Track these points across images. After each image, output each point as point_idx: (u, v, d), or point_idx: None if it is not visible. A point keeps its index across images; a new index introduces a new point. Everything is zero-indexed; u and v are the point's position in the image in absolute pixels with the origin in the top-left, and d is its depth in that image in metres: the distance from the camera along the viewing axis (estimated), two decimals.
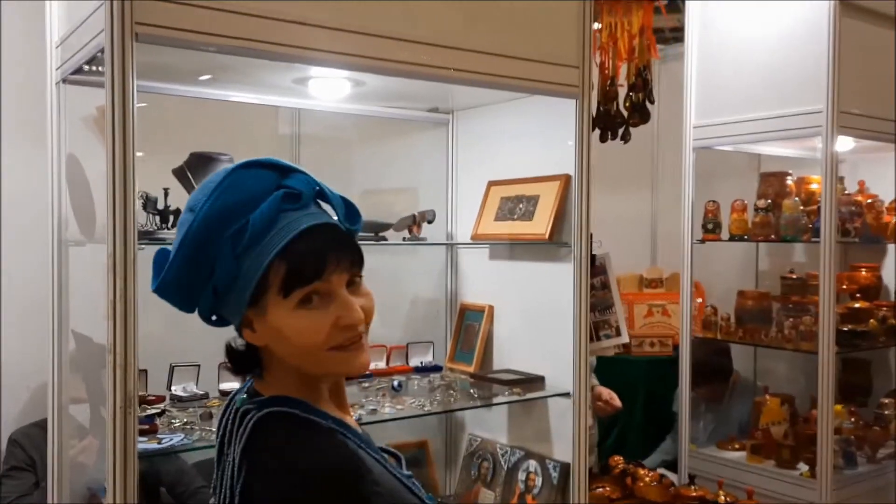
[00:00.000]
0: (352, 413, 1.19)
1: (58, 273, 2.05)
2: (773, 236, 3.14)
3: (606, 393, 3.00)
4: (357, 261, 1.06)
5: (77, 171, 2.00)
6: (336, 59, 1.85)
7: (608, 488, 2.67)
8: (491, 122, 2.58)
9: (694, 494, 2.75)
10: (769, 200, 3.15)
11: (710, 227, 3.25)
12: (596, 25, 2.32)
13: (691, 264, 3.28)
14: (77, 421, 2.09)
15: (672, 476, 2.95)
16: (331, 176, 2.55)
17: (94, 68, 1.83)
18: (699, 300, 3.91)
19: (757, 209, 3.16)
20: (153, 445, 1.69)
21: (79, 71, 1.88)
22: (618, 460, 2.84)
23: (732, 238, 3.24)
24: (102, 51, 1.59)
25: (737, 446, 3.27)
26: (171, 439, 1.71)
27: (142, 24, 1.57)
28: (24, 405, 2.81)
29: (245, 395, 1.11)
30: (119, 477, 1.56)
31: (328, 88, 2.20)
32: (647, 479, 2.68)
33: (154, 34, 1.59)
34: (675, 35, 3.89)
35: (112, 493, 1.56)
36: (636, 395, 3.98)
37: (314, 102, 2.34)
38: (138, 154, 1.58)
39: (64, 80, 1.98)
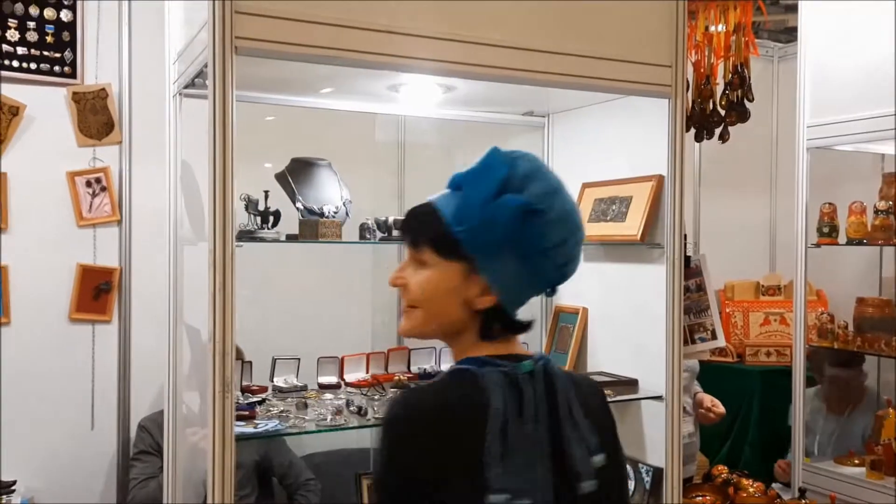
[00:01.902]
0: None
1: (174, 270, 2.23)
2: (894, 240, 2.95)
3: (709, 400, 2.91)
4: (411, 242, 1.20)
5: (189, 177, 2.17)
6: (429, 65, 1.91)
7: (708, 497, 2.59)
8: (585, 124, 2.58)
9: None
10: (890, 202, 2.96)
11: (826, 231, 3.09)
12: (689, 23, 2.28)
13: (805, 270, 3.13)
14: (191, 409, 2.25)
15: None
16: (428, 181, 2.64)
17: (200, 82, 1.99)
18: (820, 309, 3.72)
19: (877, 211, 2.98)
20: (249, 429, 1.81)
21: (191, 84, 2.04)
22: (721, 469, 2.75)
23: (850, 242, 3.07)
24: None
25: (856, 461, 3.08)
26: (267, 425, 1.82)
27: (241, 38, 1.69)
28: (155, 394, 3.06)
29: (528, 361, 1.17)
30: (218, 457, 1.68)
31: (420, 94, 2.28)
32: (752, 489, 2.59)
33: (253, 47, 1.71)
34: (792, 35, 3.73)
35: (211, 472, 1.68)
36: (750, 408, 3.83)
37: (409, 109, 2.42)
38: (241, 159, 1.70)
39: (179, 93, 2.15)
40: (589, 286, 2.55)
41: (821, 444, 3.31)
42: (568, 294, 2.63)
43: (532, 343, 2.67)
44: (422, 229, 1.19)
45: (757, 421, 3.80)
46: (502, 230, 1.11)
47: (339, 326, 2.76)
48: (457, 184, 1.18)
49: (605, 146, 2.50)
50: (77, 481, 3.02)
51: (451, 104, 2.43)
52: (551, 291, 1.22)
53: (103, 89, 3.06)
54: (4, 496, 2.69)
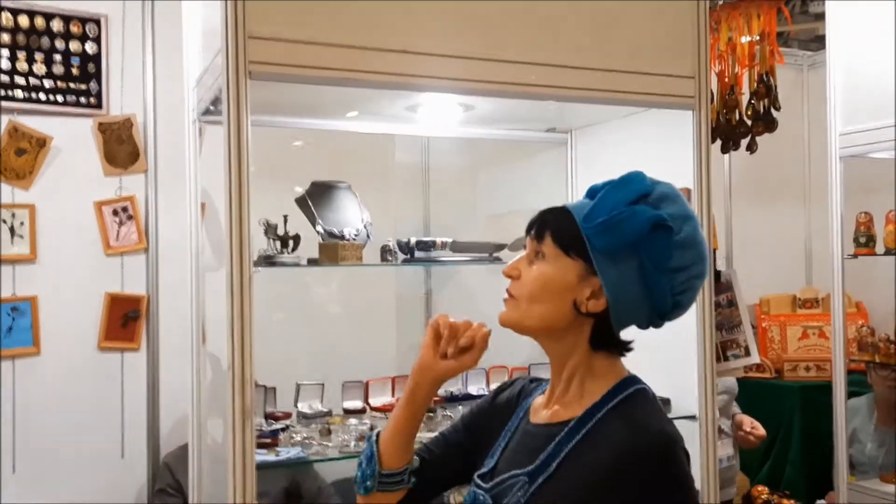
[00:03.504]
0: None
1: (196, 297, 2.22)
2: None
3: (749, 422, 2.83)
4: (536, 234, 1.20)
5: (210, 203, 2.17)
6: (445, 84, 1.89)
7: None
8: (608, 139, 2.53)
9: None
10: None
11: (863, 241, 3.00)
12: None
13: (843, 281, 3.03)
14: (215, 438, 2.24)
15: None
16: (450, 201, 2.61)
17: (214, 108, 1.99)
18: (860, 321, 3.61)
19: None
20: (271, 458, 1.79)
21: (208, 110, 2.05)
22: (761, 490, 2.66)
23: (888, 252, 2.97)
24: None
25: None
26: (289, 452, 1.79)
27: (255, 63, 1.69)
28: (184, 422, 3.05)
29: None
30: (238, 487, 1.66)
31: (439, 114, 2.26)
32: None
33: (267, 72, 1.71)
34: (822, 44, 3.66)
35: (232, 501, 1.66)
36: (790, 425, 3.72)
37: (429, 129, 2.41)
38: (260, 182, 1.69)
39: (198, 119, 2.16)
40: None
41: (871, 459, 3.19)
42: None
43: None
44: (549, 222, 1.19)
45: (798, 438, 3.69)
46: (629, 235, 1.13)
47: (364, 350, 2.73)
48: (593, 192, 1.20)
49: (629, 160, 2.43)
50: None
51: (472, 123, 2.40)
52: (660, 322, 1.21)
53: (128, 119, 3.10)
54: None
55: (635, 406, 1.17)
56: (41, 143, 2.97)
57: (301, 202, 2.16)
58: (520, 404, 1.29)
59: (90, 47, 3.05)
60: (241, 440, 1.66)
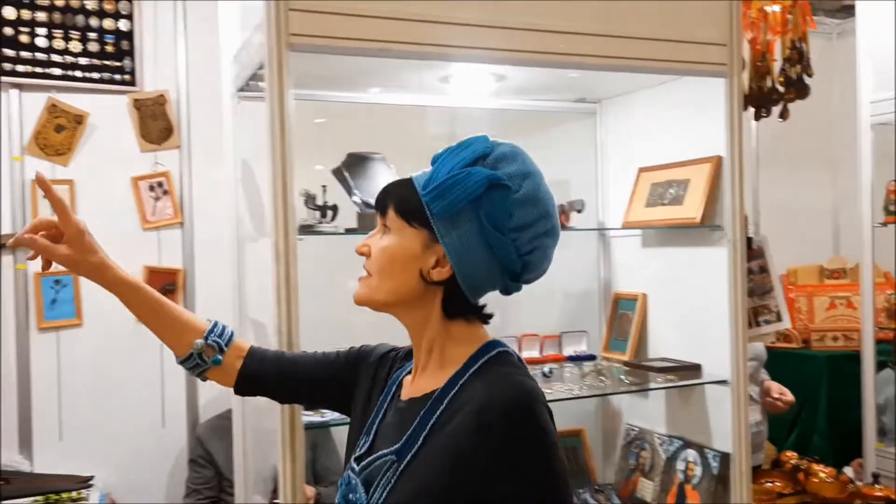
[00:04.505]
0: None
1: (237, 267, 2.28)
2: None
3: (777, 388, 2.85)
4: (380, 208, 1.19)
5: (250, 176, 2.22)
6: (480, 53, 1.92)
7: (778, 483, 2.54)
8: (638, 108, 2.55)
9: (879, 494, 2.55)
10: None
11: (893, 210, 3.00)
12: None
13: (872, 250, 3.04)
14: (258, 401, 2.30)
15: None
16: None
17: (252, 84, 2.03)
18: (889, 291, 3.60)
19: None
20: (317, 419, 1.85)
21: (246, 85, 2.09)
22: (790, 456, 2.69)
23: None
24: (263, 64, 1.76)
25: None
26: (333, 413, 1.85)
27: (296, 35, 1.72)
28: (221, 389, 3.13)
29: None
30: (287, 447, 1.72)
31: (472, 85, 2.28)
32: (823, 474, 2.53)
33: (307, 44, 1.74)
34: (848, 13, 3.62)
35: (283, 462, 1.72)
36: (817, 394, 3.73)
37: (460, 100, 2.43)
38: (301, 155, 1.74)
39: (236, 94, 2.20)
40: (647, 271, 2.52)
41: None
42: (626, 280, 2.61)
43: (590, 330, 2.66)
44: (391, 194, 1.18)
45: (825, 407, 3.70)
46: (465, 196, 1.10)
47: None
48: (435, 160, 1.17)
49: (659, 129, 2.47)
50: (151, 477, 3.11)
51: (503, 94, 2.43)
52: (515, 286, 1.17)
53: (161, 95, 3.15)
54: (84, 491, 2.78)
55: (494, 366, 1.14)
56: (79, 119, 3.03)
57: (337, 173, 2.20)
58: (391, 377, 1.26)
59: (123, 24, 3.10)
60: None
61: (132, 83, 3.12)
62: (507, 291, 1.18)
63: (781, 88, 2.31)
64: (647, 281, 2.50)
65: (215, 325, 1.35)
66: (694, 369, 2.30)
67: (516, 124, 2.66)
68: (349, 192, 2.17)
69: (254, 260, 2.26)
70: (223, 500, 2.94)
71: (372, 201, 2.16)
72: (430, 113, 2.54)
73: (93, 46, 3.05)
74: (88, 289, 3.04)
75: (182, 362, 1.33)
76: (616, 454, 2.59)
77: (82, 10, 3.03)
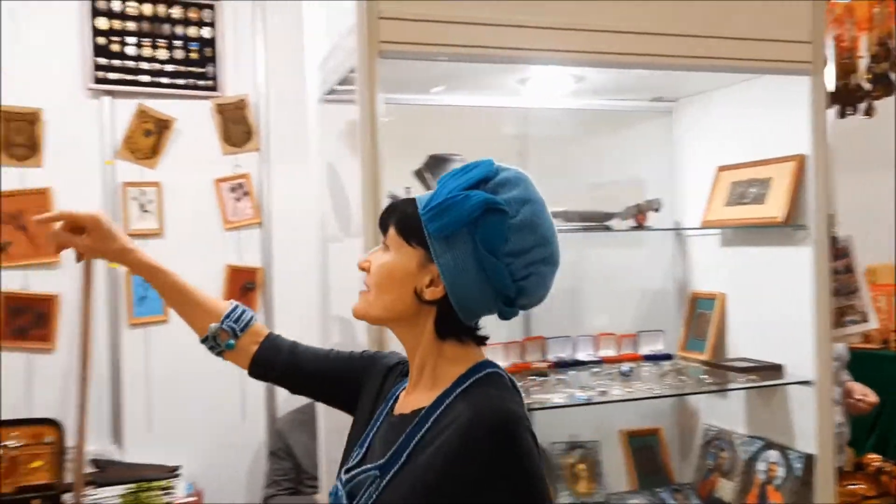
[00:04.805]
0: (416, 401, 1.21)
1: (321, 265, 2.36)
2: None
3: (859, 389, 2.80)
4: (381, 226, 1.23)
5: (335, 178, 2.29)
6: (562, 56, 1.95)
7: (862, 485, 2.50)
8: (716, 107, 2.54)
9: None
10: None
11: None
12: None
13: None
14: None
15: None
16: (556, 170, 2.66)
17: (341, 88, 2.10)
18: None
19: None
20: None
21: (333, 90, 2.16)
22: (873, 458, 2.64)
23: None
24: (354, 70, 1.82)
25: None
26: None
27: (385, 43, 1.78)
28: None
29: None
30: None
31: (551, 86, 2.31)
32: None
33: (396, 50, 1.79)
34: None
35: None
36: None
37: (538, 101, 2.46)
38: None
39: (322, 99, 2.27)
40: (726, 271, 2.51)
41: None
42: (703, 279, 2.60)
43: (668, 330, 2.66)
44: (393, 213, 1.20)
45: None
46: (460, 217, 1.11)
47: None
48: (441, 181, 1.19)
49: (738, 128, 2.46)
50: (233, 468, 3.23)
51: (579, 94, 2.44)
52: (510, 311, 1.17)
53: (242, 100, 3.26)
54: (172, 480, 2.91)
55: (481, 387, 1.14)
56: (165, 124, 3.16)
57: (418, 174, 2.26)
58: (389, 391, 1.28)
59: (206, 32, 3.22)
60: None
61: (214, 88, 3.24)
62: (503, 316, 1.18)
63: (868, 85, 2.28)
64: (726, 280, 2.49)
65: (233, 310, 1.40)
66: (775, 370, 2.28)
67: (593, 124, 2.67)
68: None
69: (338, 259, 2.33)
70: (301, 491, 3.03)
71: None
72: (508, 114, 2.57)
73: (178, 54, 3.17)
74: None
75: (202, 342, 1.40)
76: (693, 454, 2.58)
77: (169, 20, 3.16)
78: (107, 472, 2.95)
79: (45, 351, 3.02)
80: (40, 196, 3.01)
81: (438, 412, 1.12)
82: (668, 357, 2.57)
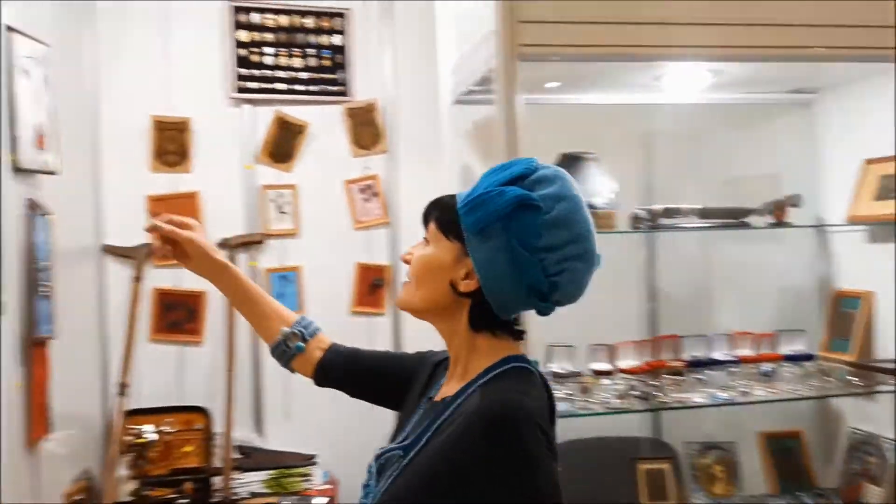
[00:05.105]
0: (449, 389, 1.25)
1: None
2: None
3: None
4: (423, 220, 1.26)
5: (469, 178, 2.34)
6: (705, 52, 1.94)
7: None
8: (861, 98, 2.43)
9: None
10: None
11: None
12: None
13: None
14: None
15: None
16: (687, 166, 2.62)
17: (478, 89, 2.14)
18: None
19: None
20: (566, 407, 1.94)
21: (467, 93, 2.21)
22: None
23: None
24: (489, 73, 1.87)
25: None
26: (559, 407, 1.93)
27: (524, 46, 1.81)
28: None
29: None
30: None
31: (688, 81, 2.28)
32: None
33: (535, 53, 1.83)
34: None
35: None
36: None
37: (674, 97, 2.43)
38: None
39: (456, 102, 2.33)
40: (873, 268, 2.40)
41: None
42: (849, 277, 2.50)
43: (808, 329, 2.57)
44: (434, 208, 1.24)
45: None
46: (494, 212, 1.13)
47: (606, 314, 2.82)
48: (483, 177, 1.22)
49: (887, 119, 2.34)
50: (367, 458, 3.34)
51: (716, 88, 2.40)
52: (545, 307, 1.18)
53: (371, 104, 3.37)
54: (310, 467, 3.05)
55: (500, 380, 1.16)
56: (300, 129, 3.31)
57: None
58: (435, 382, 1.31)
59: (337, 39, 3.35)
60: None
61: (345, 93, 3.36)
62: (540, 312, 1.19)
63: None
64: (874, 278, 2.38)
65: (302, 318, 1.48)
66: None
67: (728, 118, 2.62)
68: None
69: None
70: None
71: (587, 200, 2.23)
72: (643, 110, 2.55)
73: (312, 62, 3.32)
74: (310, 283, 3.33)
75: (272, 350, 1.46)
76: (838, 458, 2.48)
77: (303, 29, 3.31)
78: (251, 458, 3.13)
79: (194, 344, 3.23)
80: (189, 200, 3.22)
81: (458, 402, 1.16)
82: (809, 357, 2.48)
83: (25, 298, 2.27)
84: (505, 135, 1.81)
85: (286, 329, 1.44)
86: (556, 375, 2.34)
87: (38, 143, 2.32)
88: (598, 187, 2.27)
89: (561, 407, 1.96)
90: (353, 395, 1.47)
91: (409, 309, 1.27)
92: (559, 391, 2.14)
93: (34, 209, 2.31)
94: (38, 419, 2.31)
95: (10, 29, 2.13)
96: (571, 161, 2.28)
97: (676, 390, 2.13)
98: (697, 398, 2.03)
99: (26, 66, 2.21)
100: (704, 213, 2.24)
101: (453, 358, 1.24)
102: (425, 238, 1.25)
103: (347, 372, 1.45)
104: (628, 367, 2.35)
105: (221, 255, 1.44)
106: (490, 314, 1.19)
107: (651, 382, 2.18)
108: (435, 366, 1.37)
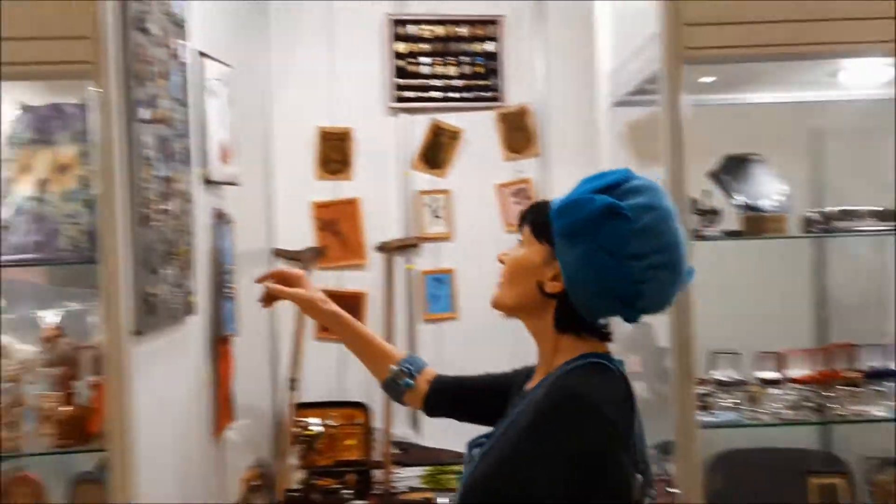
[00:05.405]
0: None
1: None
2: None
3: None
4: (519, 223, 1.31)
5: None
6: (876, 48, 1.83)
7: None
8: None
9: None
10: None
11: None
12: None
13: None
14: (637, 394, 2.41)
15: None
16: (864, 165, 2.47)
17: (638, 91, 2.13)
18: None
19: None
20: (709, 418, 1.90)
21: (627, 95, 2.20)
22: None
23: None
24: (652, 76, 1.86)
25: None
26: (726, 416, 1.89)
27: (690, 49, 1.79)
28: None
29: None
30: (682, 446, 1.80)
31: (861, 77, 2.16)
32: None
33: (701, 55, 1.80)
34: None
35: (678, 459, 1.80)
36: None
37: (849, 93, 2.31)
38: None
39: (614, 105, 2.33)
40: None
41: None
42: None
43: None
44: (531, 212, 1.29)
45: None
46: (583, 218, 1.17)
47: (772, 321, 2.72)
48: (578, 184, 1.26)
49: None
50: None
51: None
52: (631, 313, 1.20)
53: (524, 108, 3.41)
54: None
55: (574, 373, 1.19)
56: (454, 135, 3.41)
57: (714, 176, 2.23)
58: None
59: (490, 46, 3.41)
60: (682, 402, 1.79)
61: (497, 99, 3.43)
62: (627, 319, 1.22)
63: None
64: None
65: (409, 355, 1.54)
66: None
67: None
68: (728, 195, 2.18)
69: None
70: None
71: (753, 203, 2.17)
72: (813, 109, 2.44)
73: (466, 69, 3.41)
74: (463, 288, 3.42)
75: (383, 386, 1.52)
76: None
77: (457, 38, 3.40)
78: (408, 454, 3.25)
79: None
80: (350, 205, 3.39)
81: (535, 392, 1.22)
82: None
83: (213, 299, 2.49)
84: (669, 139, 1.79)
85: (395, 367, 1.51)
86: (720, 383, 2.27)
87: (223, 157, 2.53)
88: (765, 189, 2.19)
89: (726, 416, 1.92)
90: (462, 420, 1.53)
91: (500, 307, 1.32)
92: (723, 400, 2.08)
93: (220, 218, 2.52)
94: (223, 410, 2.52)
95: (201, 54, 2.34)
96: (737, 163, 2.22)
97: (853, 402, 2.02)
98: (877, 411, 1.92)
99: (214, 88, 2.41)
100: (883, 216, 2.12)
101: (540, 355, 1.30)
102: (520, 240, 1.31)
103: (454, 401, 1.52)
104: (798, 377, 2.25)
105: (329, 305, 1.53)
106: (575, 316, 1.23)
107: (824, 393, 2.08)
108: (531, 371, 1.40)
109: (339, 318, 1.52)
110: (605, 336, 1.26)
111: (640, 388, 2.39)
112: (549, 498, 1.11)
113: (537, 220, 1.27)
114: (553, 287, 1.23)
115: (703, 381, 2.25)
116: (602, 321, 1.25)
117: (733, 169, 2.23)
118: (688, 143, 1.84)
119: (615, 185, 1.21)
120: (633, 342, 2.38)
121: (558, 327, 1.25)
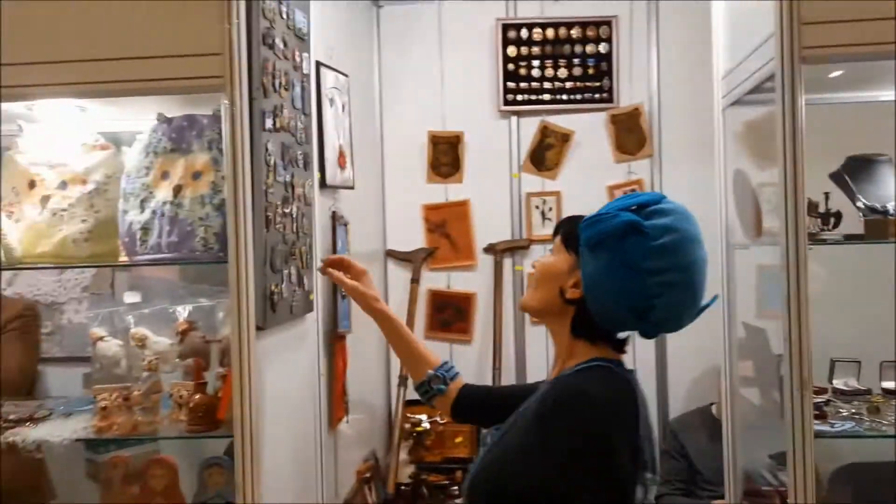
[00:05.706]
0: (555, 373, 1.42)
1: (726, 272, 2.36)
2: None
3: None
4: (552, 234, 1.45)
5: (742, 182, 2.28)
6: None
7: None
8: None
9: None
10: None
11: None
12: None
13: None
14: (749, 402, 2.35)
15: None
16: None
17: (754, 90, 2.08)
18: None
19: None
20: (826, 428, 1.84)
21: (743, 94, 2.15)
22: None
23: None
24: (769, 77, 1.81)
25: None
26: (843, 426, 1.83)
27: (808, 48, 1.73)
28: (687, 389, 3.28)
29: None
30: (798, 455, 1.74)
31: None
32: None
33: (819, 54, 1.74)
34: None
35: (792, 469, 1.75)
36: None
37: None
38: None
39: (729, 106, 2.28)
40: None
41: None
42: None
43: None
44: (565, 223, 1.41)
45: None
46: (606, 231, 1.27)
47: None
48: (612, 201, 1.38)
49: None
50: None
51: None
52: (647, 328, 1.30)
53: (636, 109, 3.37)
54: None
55: (580, 374, 1.30)
56: (565, 137, 3.41)
57: (837, 177, 2.14)
58: None
59: (603, 48, 3.39)
60: (800, 410, 1.74)
61: (609, 100, 3.40)
62: (643, 334, 1.33)
63: None
64: None
65: (445, 362, 1.64)
66: None
67: None
68: (851, 197, 2.09)
69: (744, 266, 2.31)
70: (695, 493, 3.05)
71: (879, 206, 2.07)
72: None
73: (576, 71, 3.40)
74: None
75: (417, 387, 1.64)
76: None
77: (569, 40, 3.41)
78: None
79: (464, 342, 3.46)
80: (461, 207, 3.46)
81: (544, 389, 1.35)
82: None
83: (330, 298, 2.60)
84: (786, 139, 1.74)
85: (431, 372, 1.61)
86: (839, 392, 2.19)
87: (339, 162, 2.65)
88: (892, 192, 2.09)
89: (844, 426, 1.85)
90: (487, 426, 1.59)
91: (526, 310, 1.46)
92: (842, 410, 2.00)
93: (336, 220, 2.63)
94: (338, 404, 2.64)
95: (319, 64, 2.46)
96: (860, 164, 2.12)
97: None
98: None
99: (332, 95, 2.53)
100: None
101: (556, 357, 1.41)
102: (552, 249, 1.42)
103: (480, 408, 1.61)
104: None
105: (380, 304, 1.65)
106: (591, 323, 1.33)
107: None
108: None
109: (388, 317, 1.64)
110: (618, 346, 1.37)
111: (751, 396, 2.33)
112: (547, 482, 1.22)
113: (567, 230, 1.39)
114: (573, 293, 1.33)
115: (820, 390, 2.18)
116: (619, 334, 1.35)
117: (857, 170, 2.14)
118: (806, 143, 1.79)
119: (644, 205, 1.32)
120: (745, 349, 2.32)
121: (574, 332, 1.36)
